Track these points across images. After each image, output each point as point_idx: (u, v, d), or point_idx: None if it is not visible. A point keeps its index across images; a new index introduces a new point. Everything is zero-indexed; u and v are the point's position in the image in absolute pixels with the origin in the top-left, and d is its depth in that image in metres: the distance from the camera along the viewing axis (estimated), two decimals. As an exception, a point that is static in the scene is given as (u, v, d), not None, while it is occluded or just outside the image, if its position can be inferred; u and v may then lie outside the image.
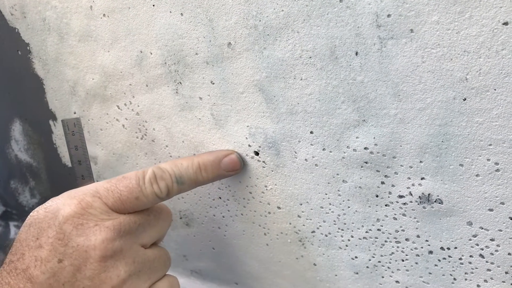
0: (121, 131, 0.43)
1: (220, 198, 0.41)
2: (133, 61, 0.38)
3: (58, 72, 0.44)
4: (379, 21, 0.26)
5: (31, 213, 0.32)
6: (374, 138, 0.29)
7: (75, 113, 0.45)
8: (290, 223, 0.38)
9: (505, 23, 0.22)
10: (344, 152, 0.31)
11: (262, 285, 0.44)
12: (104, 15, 0.37)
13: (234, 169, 0.36)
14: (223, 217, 0.42)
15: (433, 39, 0.25)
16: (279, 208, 0.37)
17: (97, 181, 0.36)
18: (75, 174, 0.35)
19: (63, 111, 0.47)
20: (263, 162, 0.36)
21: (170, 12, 0.33)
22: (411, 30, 0.25)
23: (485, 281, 0.31)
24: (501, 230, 0.28)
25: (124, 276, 0.31)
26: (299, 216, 0.37)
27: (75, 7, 0.38)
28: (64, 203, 0.31)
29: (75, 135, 0.34)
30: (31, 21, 0.43)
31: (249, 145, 0.35)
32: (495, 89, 0.24)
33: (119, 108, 0.42)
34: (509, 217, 0.28)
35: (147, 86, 0.38)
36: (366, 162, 0.31)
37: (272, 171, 0.36)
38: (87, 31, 0.39)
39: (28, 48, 0.45)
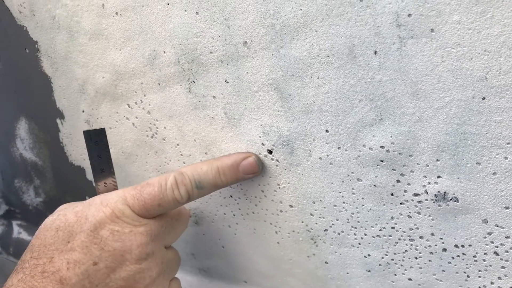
0: (131, 129, 0.43)
1: (231, 196, 0.41)
2: (146, 59, 0.37)
3: (67, 71, 0.44)
4: (399, 21, 0.26)
5: (54, 216, 0.33)
6: (391, 136, 0.30)
7: (83, 111, 0.45)
8: (302, 222, 0.38)
9: (527, 23, 0.23)
10: (360, 151, 0.31)
11: (272, 283, 0.44)
12: (116, 13, 0.37)
13: (253, 172, 0.36)
14: (234, 215, 0.42)
15: (453, 39, 0.25)
16: (291, 206, 0.38)
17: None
18: (97, 181, 0.35)
19: (71, 109, 0.46)
20: (277, 160, 0.36)
21: (185, 10, 0.33)
22: (432, 30, 0.25)
23: (499, 278, 0.31)
24: (508, 209, 0.29)
25: (155, 276, 0.33)
26: (311, 214, 0.37)
27: (86, 5, 0.38)
28: (97, 210, 0.32)
29: (99, 144, 0.34)
30: (40, 19, 0.43)
31: (263, 144, 0.35)
32: (515, 88, 0.24)
33: (129, 107, 0.42)
34: (505, 207, 0.28)
35: (159, 84, 0.38)
36: (382, 161, 0.31)
37: (285, 169, 0.36)
38: (99, 29, 0.39)
39: (36, 46, 0.45)
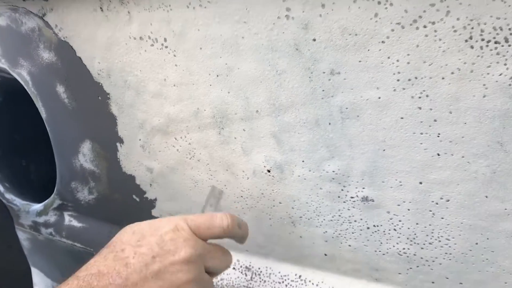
0: (175, 153, 0.66)
1: (241, 196, 0.64)
2: (191, 113, 0.60)
3: (131, 114, 0.66)
4: (342, 110, 0.50)
5: (132, 225, 0.48)
6: (338, 166, 0.54)
7: (140, 139, 0.67)
8: (286, 212, 0.62)
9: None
10: (321, 172, 0.56)
11: (264, 251, 0.69)
12: (174, 85, 0.59)
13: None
14: (242, 208, 0.66)
15: (368, 121, 0.49)
16: (280, 203, 0.62)
17: (151, 185, 0.59)
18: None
19: (130, 138, 0.69)
20: (272, 176, 0.60)
21: (221, 90, 0.56)
22: (357, 116, 0.49)
23: (397, 244, 0.57)
24: (399, 205, 0.54)
25: (190, 279, 0.44)
26: (292, 208, 0.61)
27: (152, 78, 0.60)
28: (166, 223, 0.47)
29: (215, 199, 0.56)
30: (114, 80, 0.64)
31: (264, 166, 0.59)
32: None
33: (175, 139, 0.64)
34: (397, 204, 0.53)
35: (199, 128, 0.61)
36: (333, 178, 0.56)
37: (278, 181, 0.60)
38: (159, 93, 0.61)
39: (108, 96, 0.67)
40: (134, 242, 0.44)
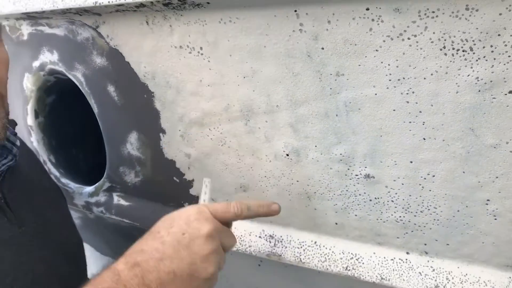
0: (209, 141, 0.79)
1: (265, 176, 0.77)
2: (223, 108, 0.73)
3: (172, 109, 0.79)
4: (346, 104, 0.62)
5: (166, 216, 0.57)
6: (344, 149, 0.66)
7: (180, 130, 0.80)
8: (303, 189, 0.75)
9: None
10: (330, 155, 0.68)
11: (285, 221, 0.81)
12: (208, 85, 0.72)
13: (274, 214, 0.65)
14: (266, 186, 0.78)
15: (369, 112, 0.61)
16: (297, 181, 0.74)
17: (189, 168, 0.73)
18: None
19: (171, 129, 0.82)
20: (290, 159, 0.72)
21: (247, 89, 0.68)
22: (359, 109, 0.61)
23: (394, 213, 0.69)
24: (394, 181, 0.66)
25: (213, 250, 0.54)
26: (307, 185, 0.74)
27: (190, 79, 0.73)
28: (191, 209, 0.57)
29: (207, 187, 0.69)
30: (158, 81, 0.77)
31: (284, 151, 0.72)
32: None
33: (209, 130, 0.77)
34: (393, 180, 0.65)
35: (229, 120, 0.74)
36: (341, 160, 0.67)
37: (295, 163, 0.72)
38: (196, 91, 0.74)
39: (152, 94, 0.80)
40: (167, 225, 0.55)
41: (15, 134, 0.68)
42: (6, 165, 0.64)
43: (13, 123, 0.73)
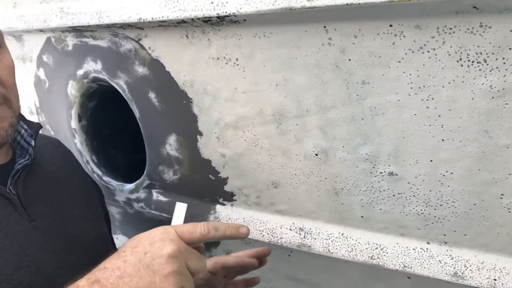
0: (243, 142, 0.86)
1: (295, 174, 0.84)
2: (256, 112, 0.80)
3: (209, 113, 0.86)
4: (371, 109, 0.68)
5: (135, 236, 0.57)
6: (370, 150, 0.73)
7: (215, 132, 0.88)
8: (331, 185, 0.81)
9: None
10: (357, 155, 0.74)
11: (314, 215, 0.88)
12: (243, 92, 0.79)
13: (242, 236, 0.62)
14: (296, 183, 0.85)
15: (392, 116, 0.67)
16: (326, 178, 0.81)
17: (223, 167, 0.80)
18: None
19: (208, 131, 0.89)
20: (319, 158, 0.79)
21: (279, 95, 0.75)
22: (383, 113, 0.67)
23: (416, 206, 0.75)
24: (416, 178, 0.72)
25: (174, 271, 0.53)
26: (335, 182, 0.80)
27: (226, 87, 0.80)
28: (157, 230, 0.56)
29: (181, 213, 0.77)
30: (196, 89, 0.85)
31: (313, 151, 0.79)
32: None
33: (243, 132, 0.84)
34: (415, 177, 0.71)
35: (261, 123, 0.81)
36: (366, 159, 0.74)
37: (324, 162, 0.79)
38: (231, 98, 0.81)
39: (190, 100, 0.87)
40: (133, 245, 0.56)
41: (32, 136, 0.75)
42: (23, 164, 0.70)
43: (38, 126, 0.78)
